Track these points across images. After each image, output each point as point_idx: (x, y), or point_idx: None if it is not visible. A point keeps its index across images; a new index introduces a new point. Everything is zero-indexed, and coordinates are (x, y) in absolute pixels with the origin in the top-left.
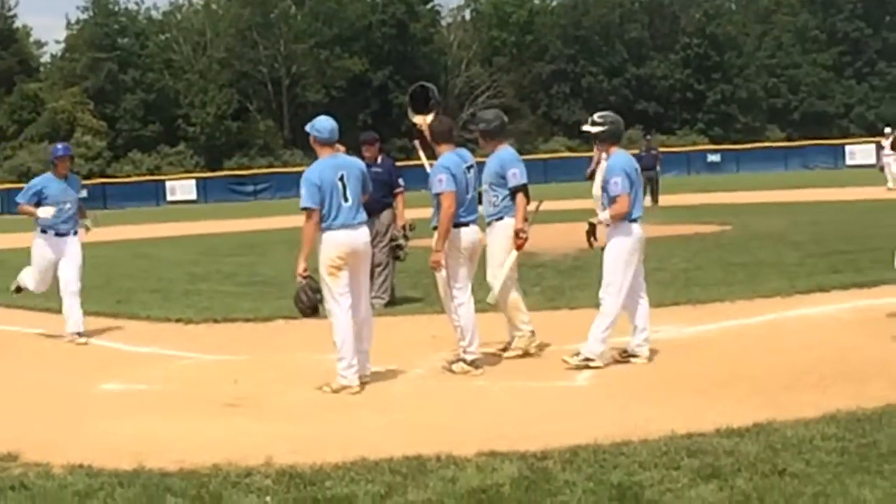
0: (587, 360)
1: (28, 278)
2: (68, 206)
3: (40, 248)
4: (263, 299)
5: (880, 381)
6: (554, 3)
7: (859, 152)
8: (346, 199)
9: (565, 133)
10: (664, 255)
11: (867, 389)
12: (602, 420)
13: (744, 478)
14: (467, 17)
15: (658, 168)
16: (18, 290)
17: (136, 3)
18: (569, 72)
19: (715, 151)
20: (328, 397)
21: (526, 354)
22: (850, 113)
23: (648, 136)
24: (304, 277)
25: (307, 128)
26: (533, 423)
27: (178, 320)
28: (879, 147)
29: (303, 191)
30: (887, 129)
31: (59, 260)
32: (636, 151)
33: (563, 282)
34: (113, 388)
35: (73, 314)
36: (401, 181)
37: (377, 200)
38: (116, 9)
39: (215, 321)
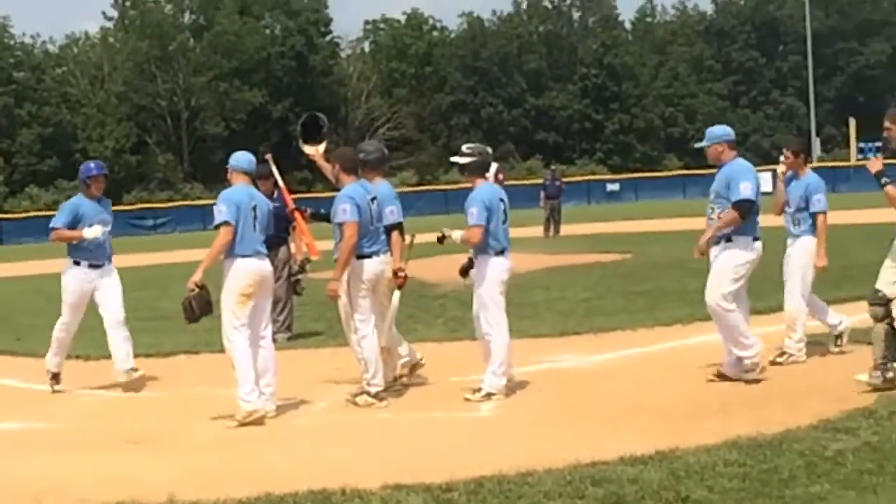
0: (489, 394)
1: (52, 360)
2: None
3: (75, 281)
4: (164, 334)
5: (780, 407)
6: (452, 35)
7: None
8: (254, 229)
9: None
10: (566, 285)
11: (768, 415)
12: (507, 450)
13: None
14: (366, 48)
15: (561, 198)
16: (56, 378)
17: (32, 37)
18: (468, 103)
19: (614, 181)
20: (231, 432)
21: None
22: (746, 141)
23: (553, 167)
24: (199, 287)
25: (230, 160)
26: (438, 455)
27: (77, 357)
28: (775, 175)
29: (222, 207)
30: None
31: (94, 292)
32: (541, 181)
33: (465, 313)
34: (10, 427)
35: (122, 349)
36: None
37: (275, 236)
38: (12, 42)
39: None
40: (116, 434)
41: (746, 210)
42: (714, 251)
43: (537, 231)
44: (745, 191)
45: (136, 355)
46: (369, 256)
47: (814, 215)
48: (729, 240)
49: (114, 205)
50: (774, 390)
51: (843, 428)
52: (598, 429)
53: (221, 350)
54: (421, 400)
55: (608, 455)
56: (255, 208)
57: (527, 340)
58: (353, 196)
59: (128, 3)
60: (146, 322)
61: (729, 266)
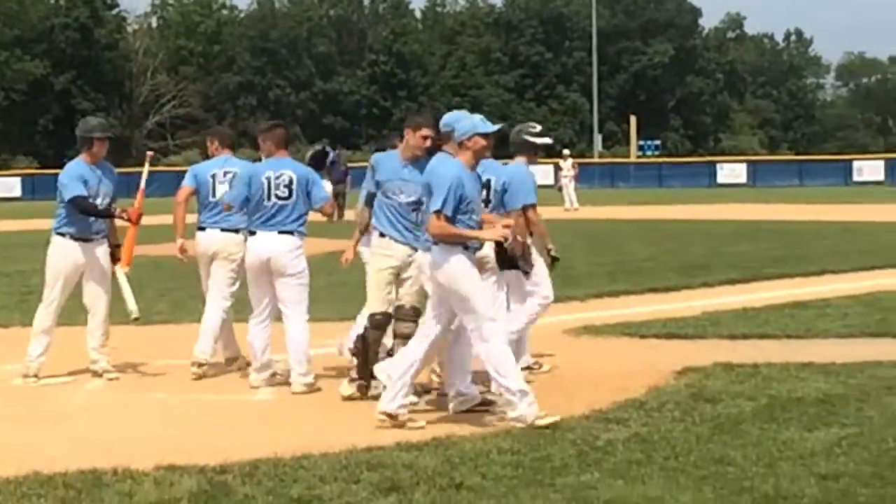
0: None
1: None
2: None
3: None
4: None
5: (555, 396)
6: (242, 15)
7: (539, 173)
8: None
9: (251, 145)
10: (348, 270)
11: (543, 404)
12: (283, 433)
13: (422, 491)
14: (154, 24)
15: (349, 182)
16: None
17: None
18: (256, 84)
19: None
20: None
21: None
22: None
23: (339, 151)
24: None
25: None
26: (213, 437)
27: None
28: (558, 168)
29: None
30: (565, 151)
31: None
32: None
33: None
34: None
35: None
36: None
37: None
38: None
39: None
40: None
41: None
42: None
43: (320, 215)
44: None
45: None
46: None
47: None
48: None
49: None
50: (552, 381)
51: (615, 418)
52: (374, 413)
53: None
54: (197, 381)
55: (385, 440)
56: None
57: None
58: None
59: None
60: None
61: None
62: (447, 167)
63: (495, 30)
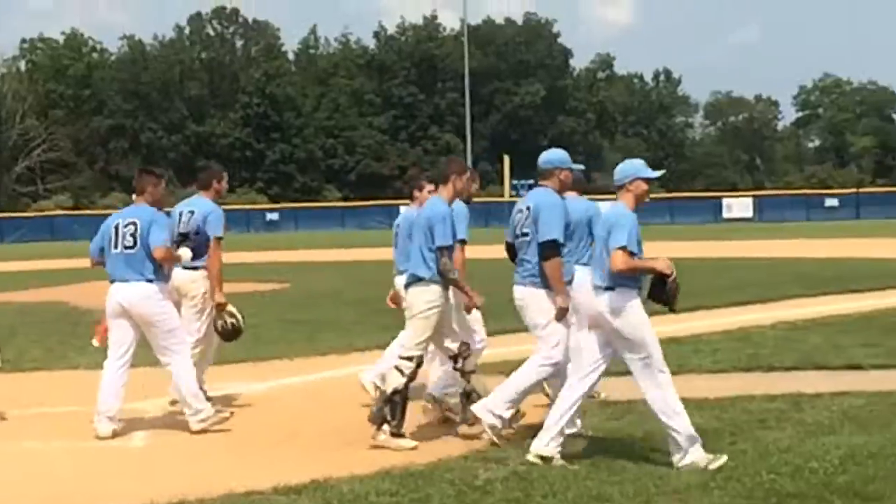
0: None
1: None
2: None
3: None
4: None
5: (433, 437)
6: (112, 58)
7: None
8: None
9: (123, 188)
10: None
11: (420, 444)
12: (159, 479)
13: None
14: (23, 68)
15: None
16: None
17: None
18: (127, 127)
19: (273, 210)
20: None
21: None
22: (403, 175)
23: None
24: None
25: None
26: (88, 484)
27: None
28: None
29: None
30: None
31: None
32: None
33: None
34: None
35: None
36: None
37: None
38: None
39: None
40: None
41: None
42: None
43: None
44: None
45: None
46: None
47: None
48: None
49: None
50: (430, 421)
51: (493, 457)
52: (252, 458)
53: None
54: (69, 428)
55: (263, 484)
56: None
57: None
58: None
59: None
60: None
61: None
62: (621, 208)
63: (368, 71)
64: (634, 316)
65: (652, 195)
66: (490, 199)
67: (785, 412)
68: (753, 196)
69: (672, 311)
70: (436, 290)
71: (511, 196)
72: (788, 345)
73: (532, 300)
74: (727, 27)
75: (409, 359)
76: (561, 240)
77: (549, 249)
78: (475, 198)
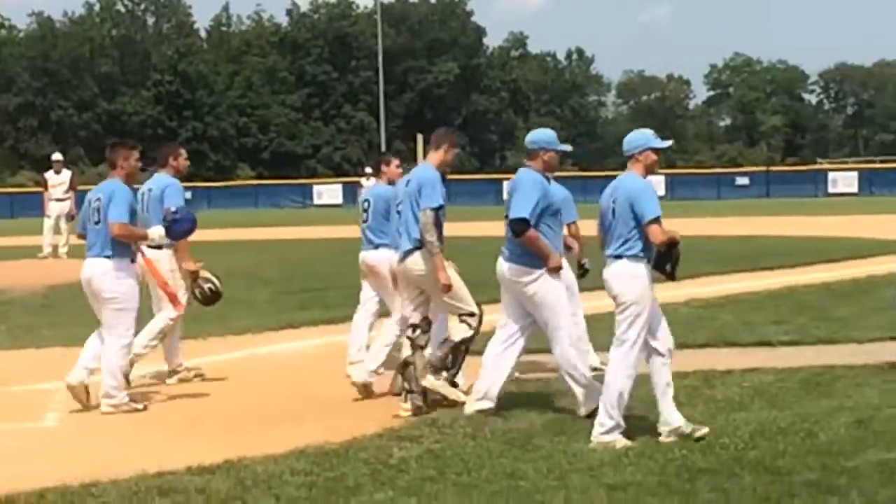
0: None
1: None
2: None
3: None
4: None
5: (348, 416)
6: (21, 35)
7: (326, 192)
8: None
9: (33, 167)
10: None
11: (336, 424)
12: (71, 460)
13: None
14: None
15: None
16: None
17: None
18: (37, 105)
19: (186, 188)
20: None
21: None
22: (317, 154)
23: None
24: None
25: None
26: None
27: None
28: (359, 186)
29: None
30: (367, 170)
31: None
32: None
33: (30, 320)
34: None
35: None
36: None
37: None
38: None
39: None
40: None
41: None
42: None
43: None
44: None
45: None
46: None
47: None
48: None
49: None
50: (343, 400)
51: (408, 436)
52: (165, 438)
53: None
54: None
55: (175, 464)
56: None
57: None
58: None
59: None
60: None
61: None
62: (635, 178)
63: (281, 49)
64: (645, 285)
65: (565, 173)
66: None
67: (697, 389)
68: (665, 174)
69: (672, 279)
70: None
71: None
72: (700, 322)
73: (518, 277)
74: (639, 6)
75: (472, 314)
76: (529, 218)
77: (518, 226)
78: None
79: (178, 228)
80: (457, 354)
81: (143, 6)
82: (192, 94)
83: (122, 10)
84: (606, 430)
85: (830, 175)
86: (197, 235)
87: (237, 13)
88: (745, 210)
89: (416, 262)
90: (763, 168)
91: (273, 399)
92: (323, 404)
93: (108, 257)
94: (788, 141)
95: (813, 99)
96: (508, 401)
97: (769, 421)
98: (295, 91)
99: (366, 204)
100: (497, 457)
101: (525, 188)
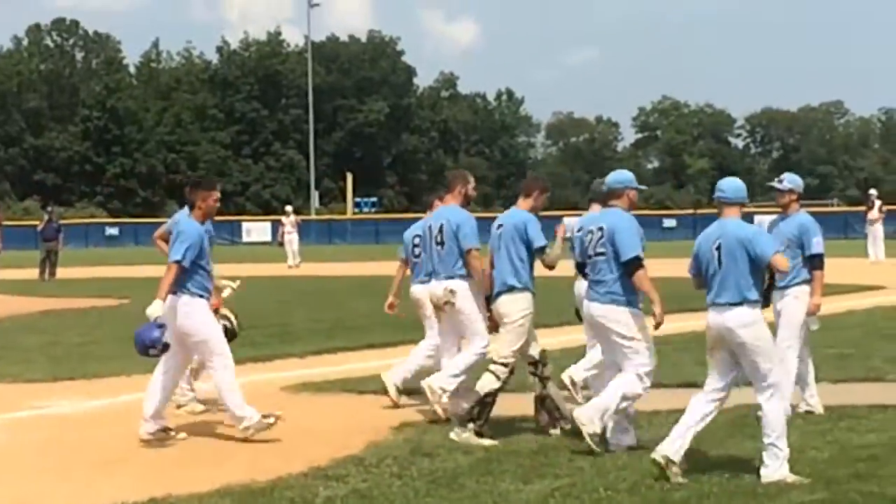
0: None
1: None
2: None
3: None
4: None
5: (274, 455)
6: None
7: (255, 230)
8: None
9: None
10: (60, 329)
11: (262, 462)
12: None
13: None
14: None
15: (61, 239)
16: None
17: None
18: None
19: (114, 224)
20: None
21: None
22: (246, 191)
23: (50, 209)
24: None
25: None
26: None
27: None
28: (280, 224)
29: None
30: (288, 207)
31: None
32: (37, 223)
33: None
34: None
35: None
36: None
37: None
38: None
39: None
40: None
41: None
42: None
43: (33, 273)
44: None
45: None
46: None
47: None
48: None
49: None
50: (271, 438)
51: (334, 475)
52: (91, 476)
53: None
54: None
55: (101, 502)
56: None
57: (19, 385)
58: None
59: None
60: None
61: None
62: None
63: (211, 86)
64: (762, 329)
65: (494, 213)
66: (333, 216)
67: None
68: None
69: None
70: (527, 297)
71: (354, 214)
72: None
73: (614, 316)
74: (568, 48)
75: (505, 365)
76: (642, 256)
77: (634, 265)
78: (317, 216)
79: (142, 336)
80: (484, 406)
81: (71, 41)
82: (120, 130)
83: (51, 44)
84: (782, 462)
85: (756, 218)
86: (126, 272)
87: (167, 49)
88: (671, 252)
89: (505, 303)
90: (690, 211)
91: (197, 438)
92: (249, 443)
93: (174, 293)
94: (714, 183)
95: (739, 143)
96: (435, 440)
97: (695, 462)
98: (224, 128)
99: (417, 239)
100: (423, 496)
101: (627, 229)
